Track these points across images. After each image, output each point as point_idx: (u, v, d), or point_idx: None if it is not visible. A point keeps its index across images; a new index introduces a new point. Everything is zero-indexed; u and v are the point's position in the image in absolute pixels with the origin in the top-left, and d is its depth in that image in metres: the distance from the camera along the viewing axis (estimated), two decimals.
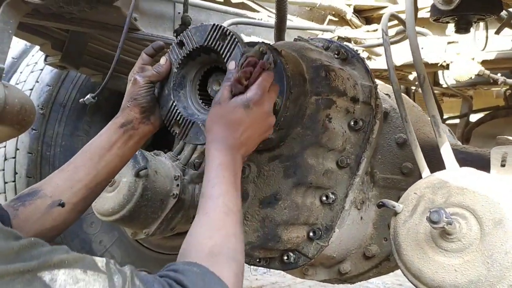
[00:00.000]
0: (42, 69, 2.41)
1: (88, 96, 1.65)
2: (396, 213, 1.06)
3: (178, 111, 1.18)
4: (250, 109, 1.04)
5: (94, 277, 0.70)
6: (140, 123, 1.17)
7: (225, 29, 1.15)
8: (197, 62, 1.22)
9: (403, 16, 1.54)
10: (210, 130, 1.04)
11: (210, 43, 1.16)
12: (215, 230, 0.89)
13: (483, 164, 1.11)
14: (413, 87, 3.81)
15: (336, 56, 1.36)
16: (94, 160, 1.13)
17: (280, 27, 1.54)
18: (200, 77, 1.22)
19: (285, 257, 1.30)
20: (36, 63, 2.46)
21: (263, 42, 1.15)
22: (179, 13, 2.09)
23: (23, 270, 0.65)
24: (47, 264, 0.67)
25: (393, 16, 1.56)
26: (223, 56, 1.15)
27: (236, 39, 1.13)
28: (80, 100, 1.70)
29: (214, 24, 1.17)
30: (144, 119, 1.17)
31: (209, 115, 1.06)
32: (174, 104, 1.18)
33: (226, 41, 1.14)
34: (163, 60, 1.19)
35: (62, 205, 1.06)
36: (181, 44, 1.20)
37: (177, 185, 1.76)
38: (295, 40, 1.41)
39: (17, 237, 0.69)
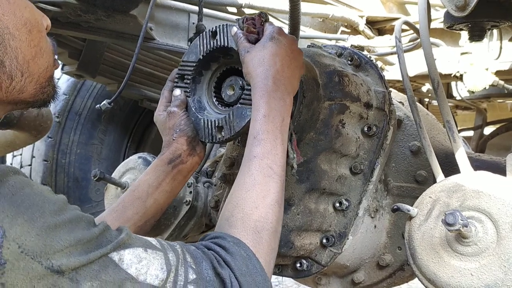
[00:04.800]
0: (58, 78, 2.46)
1: (104, 102, 1.67)
2: (410, 217, 1.05)
3: (212, 120, 1.15)
4: (277, 39, 1.04)
5: (153, 255, 0.75)
6: (188, 156, 1.15)
7: (212, 28, 1.16)
8: (204, 81, 1.23)
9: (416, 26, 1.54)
10: (250, 75, 1.03)
11: (206, 50, 1.17)
12: (261, 197, 0.90)
13: (498, 172, 1.10)
14: (427, 99, 3.80)
15: (349, 62, 1.36)
16: (142, 199, 1.12)
17: (293, 35, 1.55)
18: (213, 89, 1.23)
19: (298, 265, 1.29)
20: None
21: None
22: (193, 23, 2.12)
23: (101, 255, 0.70)
24: (117, 246, 0.72)
25: (406, 24, 1.57)
26: (222, 43, 1.14)
27: (226, 24, 1.14)
28: (96, 106, 1.73)
29: (199, 35, 1.18)
30: (191, 150, 1.15)
31: (244, 66, 1.05)
32: (206, 119, 1.16)
33: (218, 33, 1.15)
34: (177, 92, 1.19)
35: None
36: (182, 77, 1.21)
37: (190, 192, 1.76)
38: (308, 46, 1.42)
39: (94, 223, 0.75)
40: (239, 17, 1.15)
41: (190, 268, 0.77)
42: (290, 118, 1.05)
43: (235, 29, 1.11)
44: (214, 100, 1.22)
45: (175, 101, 1.18)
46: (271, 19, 2.44)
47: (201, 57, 1.18)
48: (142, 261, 0.73)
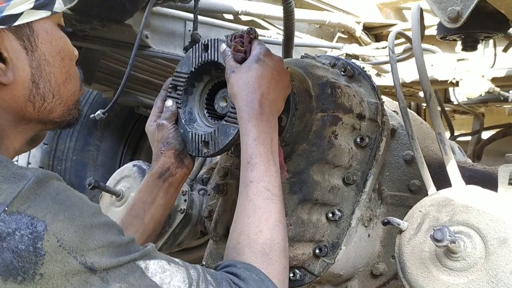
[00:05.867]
0: None
1: (98, 112, 1.68)
2: (401, 231, 1.05)
3: (199, 134, 1.17)
4: (263, 61, 1.05)
5: (176, 269, 0.79)
6: (176, 168, 1.18)
7: (204, 41, 1.18)
8: (196, 93, 1.24)
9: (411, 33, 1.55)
10: (235, 97, 1.04)
11: (198, 62, 1.19)
12: (263, 221, 0.92)
13: (491, 182, 1.10)
14: (424, 104, 3.80)
15: (342, 73, 1.37)
16: (140, 217, 1.15)
17: (287, 45, 1.56)
18: (205, 101, 1.24)
19: (291, 274, 1.29)
20: None
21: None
22: (189, 30, 2.12)
23: (130, 260, 0.75)
24: (144, 255, 0.77)
25: (400, 34, 1.57)
26: (213, 58, 1.16)
27: (217, 39, 1.15)
28: (90, 116, 1.74)
29: (192, 48, 1.20)
30: (179, 163, 1.18)
31: (228, 87, 1.06)
32: (193, 133, 1.18)
33: (209, 47, 1.17)
34: (169, 103, 1.21)
35: None
36: (174, 87, 1.22)
37: (185, 200, 1.77)
38: (302, 57, 1.42)
39: (123, 232, 0.80)
40: (228, 34, 1.15)
41: (211, 286, 0.80)
42: (277, 138, 1.05)
43: (223, 46, 1.12)
44: (205, 112, 1.23)
45: (166, 112, 1.20)
46: (267, 25, 2.45)
47: (193, 69, 1.20)
48: (166, 272, 0.77)
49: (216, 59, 1.15)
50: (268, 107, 1.02)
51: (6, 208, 0.69)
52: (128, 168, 1.77)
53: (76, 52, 1.01)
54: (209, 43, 1.16)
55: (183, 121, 1.20)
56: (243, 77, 1.04)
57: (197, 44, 1.18)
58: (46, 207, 0.71)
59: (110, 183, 1.77)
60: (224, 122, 1.12)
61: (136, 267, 0.75)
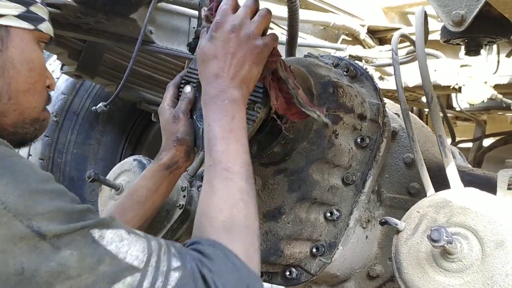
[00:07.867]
0: (58, 78, 2.47)
1: (100, 104, 1.68)
2: (398, 231, 1.05)
3: None
4: (214, 38, 0.98)
5: (136, 239, 0.77)
6: (184, 162, 1.19)
7: None
8: None
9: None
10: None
11: None
12: (222, 201, 0.91)
13: (490, 187, 1.10)
14: (426, 110, 3.80)
15: (345, 73, 1.37)
16: (141, 203, 1.18)
17: (291, 44, 1.56)
18: None
19: (288, 273, 1.29)
20: (52, 71, 2.53)
21: None
22: (193, 27, 2.13)
23: (82, 227, 0.73)
24: (98, 224, 0.75)
25: (403, 36, 1.57)
26: None
27: None
28: (92, 108, 1.74)
29: None
30: (187, 157, 1.19)
31: None
32: (203, 130, 1.14)
33: None
34: (188, 89, 1.18)
35: None
36: (187, 83, 1.21)
37: (184, 196, 1.76)
38: (305, 56, 1.43)
39: (79, 202, 0.78)
40: None
41: (174, 257, 0.79)
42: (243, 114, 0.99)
43: (203, 11, 1.06)
44: None
45: (182, 100, 1.18)
46: (271, 25, 2.44)
47: None
48: (124, 241, 0.75)
49: None
50: (224, 86, 0.97)
51: None
52: (129, 162, 1.77)
53: (53, 80, 1.03)
54: None
55: (194, 117, 1.20)
56: (201, 66, 1.00)
57: None
58: None
59: (110, 176, 1.77)
60: None
61: (89, 235, 0.73)
